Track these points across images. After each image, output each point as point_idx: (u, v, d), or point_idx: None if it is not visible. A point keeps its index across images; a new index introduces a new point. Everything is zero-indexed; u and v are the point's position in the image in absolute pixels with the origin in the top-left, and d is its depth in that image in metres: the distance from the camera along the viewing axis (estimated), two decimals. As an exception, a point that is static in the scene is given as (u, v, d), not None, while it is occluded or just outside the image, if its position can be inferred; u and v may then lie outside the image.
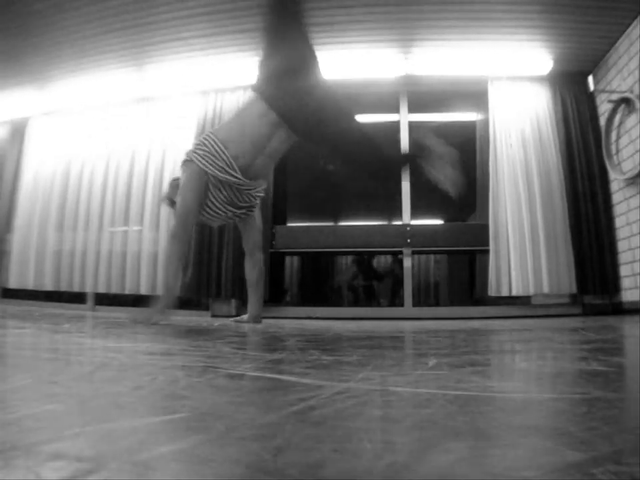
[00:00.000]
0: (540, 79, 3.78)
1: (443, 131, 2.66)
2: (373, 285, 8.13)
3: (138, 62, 3.87)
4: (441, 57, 3.65)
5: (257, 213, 2.42)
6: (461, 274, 7.22)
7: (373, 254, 7.40)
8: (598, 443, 0.37)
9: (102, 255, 4.01)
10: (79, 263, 4.08)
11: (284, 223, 4.56)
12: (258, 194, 2.29)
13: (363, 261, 8.01)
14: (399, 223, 3.92)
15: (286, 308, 4.03)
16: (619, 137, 3.40)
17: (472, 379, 0.70)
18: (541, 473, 0.31)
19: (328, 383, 0.66)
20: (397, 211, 4.03)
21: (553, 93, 3.77)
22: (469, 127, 4.16)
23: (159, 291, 3.83)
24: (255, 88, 2.19)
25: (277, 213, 4.03)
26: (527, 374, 0.84)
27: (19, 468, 0.32)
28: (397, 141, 3.80)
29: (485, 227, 3.64)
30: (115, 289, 3.94)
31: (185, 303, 4.14)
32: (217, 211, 2.22)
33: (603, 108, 3.59)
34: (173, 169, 4.00)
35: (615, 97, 3.37)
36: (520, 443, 0.38)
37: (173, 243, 2.18)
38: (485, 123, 3.85)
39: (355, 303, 8.27)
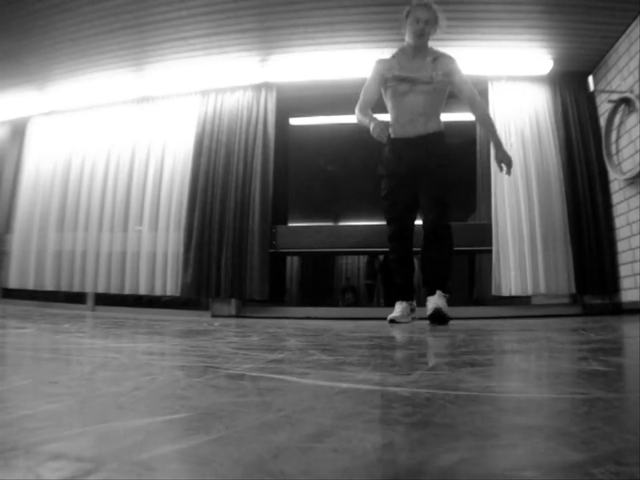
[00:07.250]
0: (540, 79, 3.78)
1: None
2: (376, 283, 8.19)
3: (138, 62, 3.86)
4: (441, 57, 3.65)
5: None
6: (461, 274, 7.21)
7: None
8: (598, 443, 0.37)
9: (102, 255, 4.01)
10: (79, 263, 4.08)
11: (284, 222, 4.56)
12: None
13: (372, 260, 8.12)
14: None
15: (286, 308, 4.03)
16: (619, 137, 3.40)
17: (472, 379, 0.70)
18: (541, 472, 0.31)
19: (328, 383, 0.66)
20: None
21: (553, 93, 3.77)
22: (469, 127, 4.15)
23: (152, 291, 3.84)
24: None
25: (277, 213, 4.03)
26: (526, 374, 0.84)
27: (19, 468, 0.32)
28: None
29: (485, 227, 3.64)
30: (114, 289, 3.94)
31: (184, 303, 4.14)
32: None
33: (603, 108, 3.59)
34: (173, 169, 4.00)
35: (615, 96, 3.37)
36: (520, 443, 0.38)
37: None
38: (485, 122, 3.84)
39: (355, 302, 8.29)
